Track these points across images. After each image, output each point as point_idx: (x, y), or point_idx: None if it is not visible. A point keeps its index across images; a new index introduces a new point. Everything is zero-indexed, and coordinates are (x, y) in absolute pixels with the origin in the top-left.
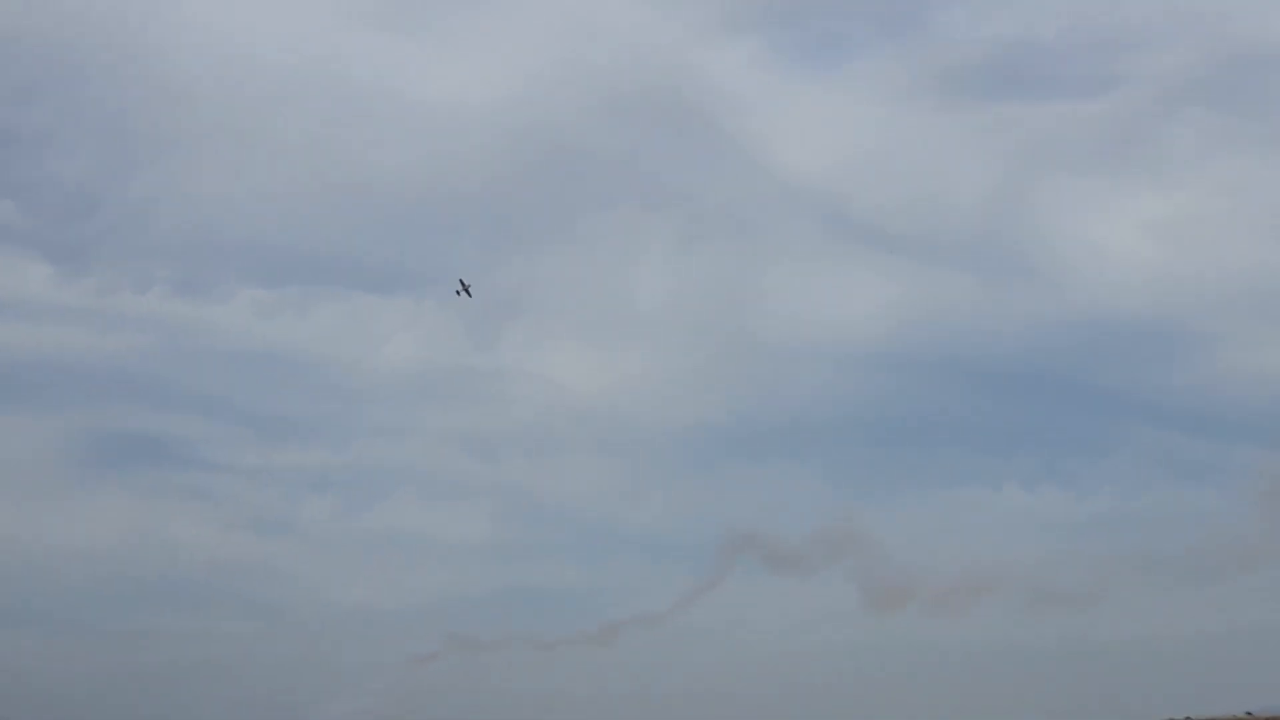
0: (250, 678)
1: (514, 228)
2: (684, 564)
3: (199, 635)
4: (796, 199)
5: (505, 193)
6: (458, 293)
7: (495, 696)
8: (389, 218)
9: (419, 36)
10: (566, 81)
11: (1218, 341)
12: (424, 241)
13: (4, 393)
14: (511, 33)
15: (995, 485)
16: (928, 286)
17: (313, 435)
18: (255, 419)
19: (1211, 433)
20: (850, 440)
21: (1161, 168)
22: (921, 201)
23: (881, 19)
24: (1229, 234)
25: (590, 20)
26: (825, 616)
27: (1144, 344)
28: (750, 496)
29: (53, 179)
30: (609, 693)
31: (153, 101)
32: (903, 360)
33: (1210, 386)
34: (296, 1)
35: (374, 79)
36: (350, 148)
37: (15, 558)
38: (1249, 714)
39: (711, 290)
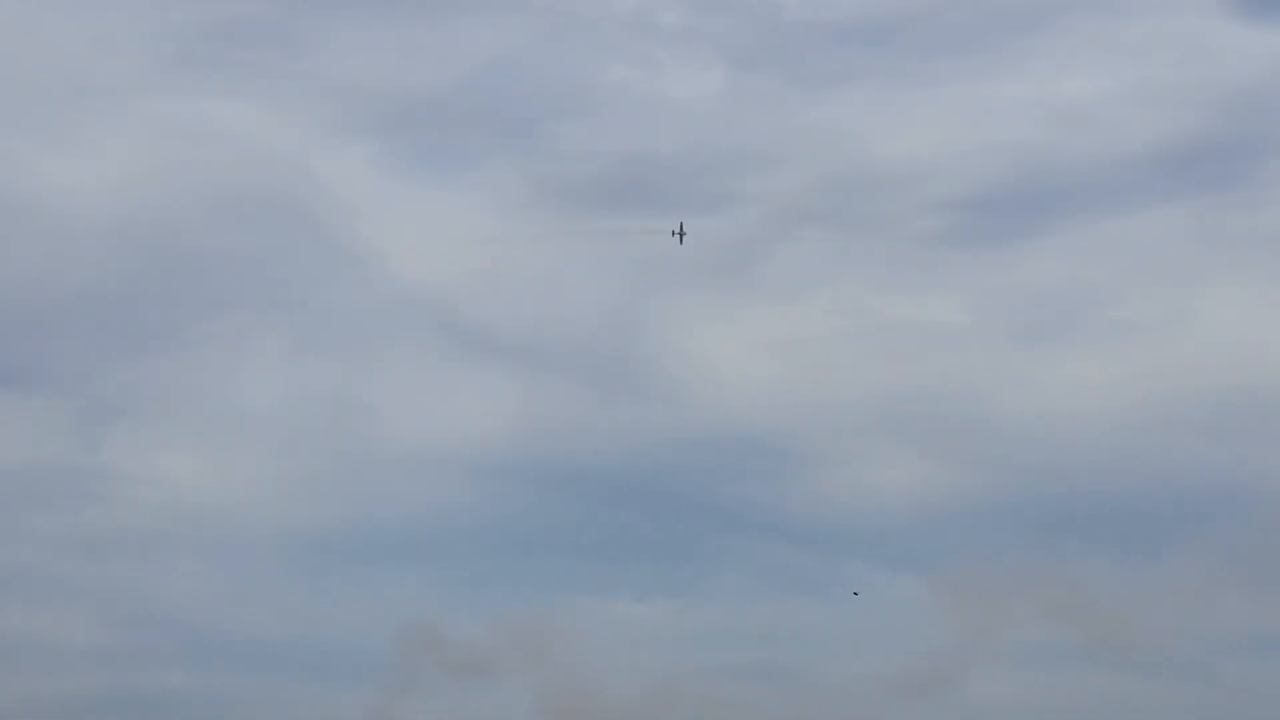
0: None
1: (124, 327)
2: (302, 671)
3: None
4: (411, 307)
5: (115, 292)
6: (673, 233)
7: None
8: None
9: (29, 133)
10: (179, 181)
11: (829, 459)
12: (30, 340)
13: None
14: (124, 131)
15: (607, 595)
16: (544, 399)
17: None
18: None
19: (821, 547)
20: (461, 547)
21: (777, 287)
22: (538, 313)
23: (500, 129)
24: (842, 354)
25: (205, 121)
26: None
27: (757, 460)
28: (355, 602)
29: None
30: None
31: None
32: (518, 471)
33: (821, 502)
34: None
35: None
36: None
37: None
38: None
39: (325, 396)
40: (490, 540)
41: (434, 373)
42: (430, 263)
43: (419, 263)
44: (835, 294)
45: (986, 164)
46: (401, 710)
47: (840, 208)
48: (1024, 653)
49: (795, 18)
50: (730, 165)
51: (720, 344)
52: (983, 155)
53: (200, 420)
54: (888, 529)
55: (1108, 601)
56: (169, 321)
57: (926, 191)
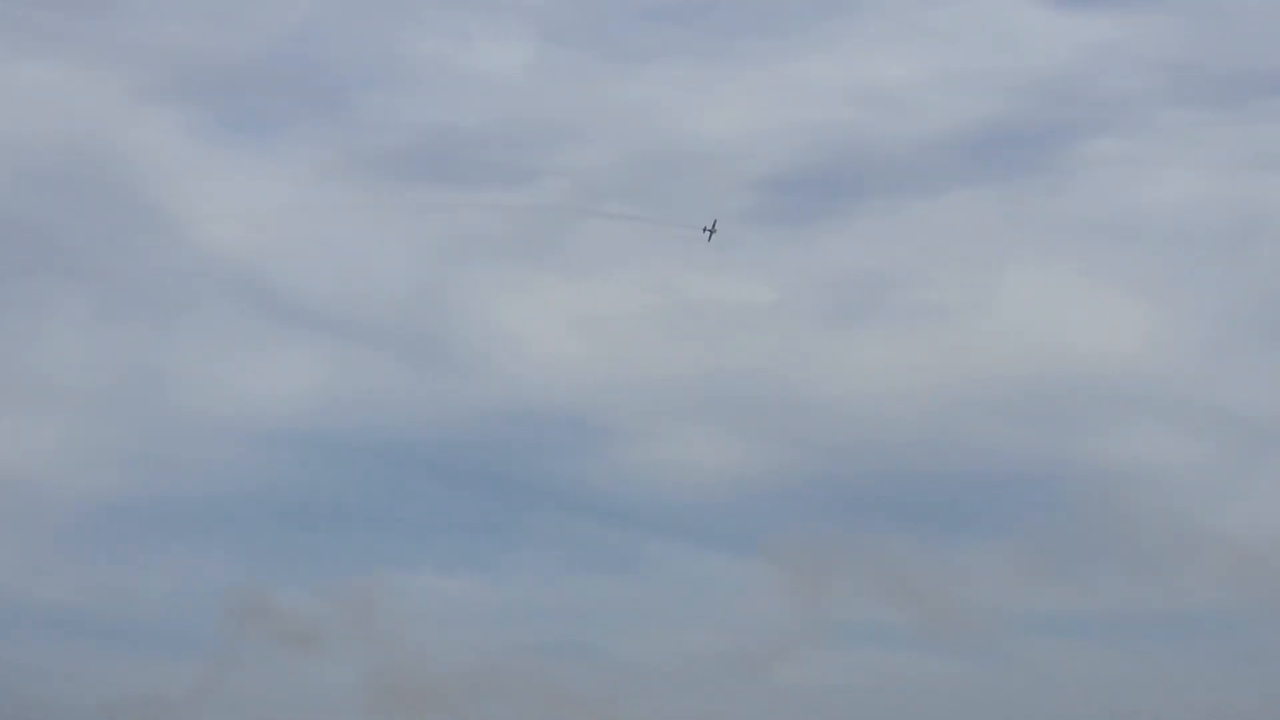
0: None
1: None
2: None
3: None
4: (219, 276)
5: None
6: (704, 229)
7: None
8: None
9: None
10: None
11: (637, 436)
12: None
13: None
14: None
15: (412, 568)
16: (352, 370)
17: None
18: None
19: (630, 524)
20: (267, 518)
21: (586, 263)
22: (347, 284)
23: (310, 98)
24: (650, 331)
25: (9, 84)
26: None
27: (565, 436)
28: (166, 574)
29: None
30: None
31: None
32: (324, 441)
33: (629, 479)
34: None
35: None
36: None
37: None
38: None
39: (130, 364)
40: (299, 512)
41: (241, 342)
42: (238, 231)
43: (226, 231)
44: (644, 271)
45: (795, 144)
46: (227, 684)
47: (649, 184)
48: (836, 632)
49: None
50: (539, 139)
51: (529, 319)
52: (791, 135)
53: (0, 387)
54: (696, 507)
55: (915, 581)
56: None
57: (736, 170)
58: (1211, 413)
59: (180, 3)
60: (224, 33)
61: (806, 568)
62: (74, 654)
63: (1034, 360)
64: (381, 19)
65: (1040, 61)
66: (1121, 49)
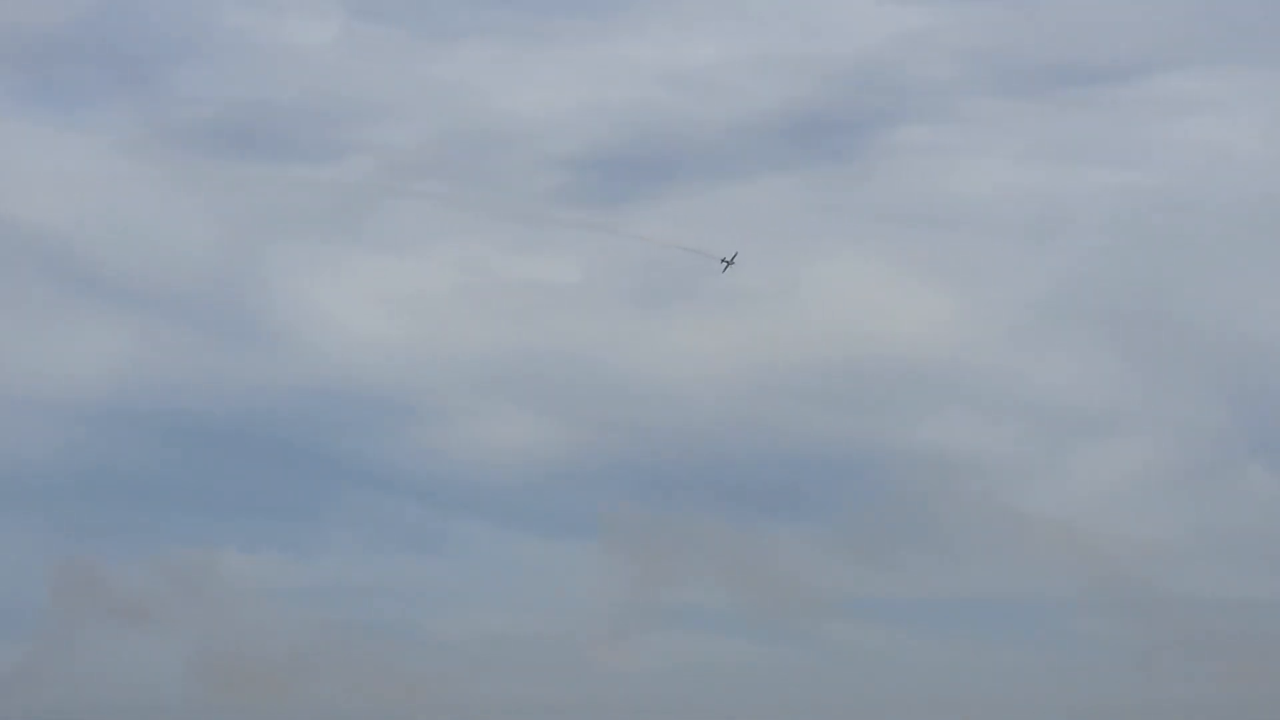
0: None
1: None
2: None
3: None
4: (23, 248)
5: None
6: (722, 260)
7: None
8: None
9: None
10: None
11: (445, 415)
12: None
13: None
14: None
15: (218, 546)
16: (158, 343)
17: None
18: None
19: (437, 504)
20: (79, 493)
21: (393, 240)
22: (152, 257)
23: (116, 72)
24: (458, 310)
25: None
26: None
27: (372, 414)
28: None
29: None
30: None
31: None
32: (130, 416)
33: (436, 458)
34: None
35: None
36: None
37: None
38: None
39: None
40: (110, 488)
41: (46, 315)
42: (43, 204)
43: (31, 203)
44: (452, 250)
45: (606, 124)
46: (55, 660)
47: (459, 163)
48: (648, 615)
49: None
50: (349, 115)
51: (338, 296)
52: (603, 115)
53: None
54: (505, 487)
55: (731, 565)
56: None
57: (545, 149)
58: (1018, 399)
59: None
60: (30, 3)
61: (617, 548)
62: None
63: (843, 345)
64: None
65: (852, 48)
66: (932, 37)
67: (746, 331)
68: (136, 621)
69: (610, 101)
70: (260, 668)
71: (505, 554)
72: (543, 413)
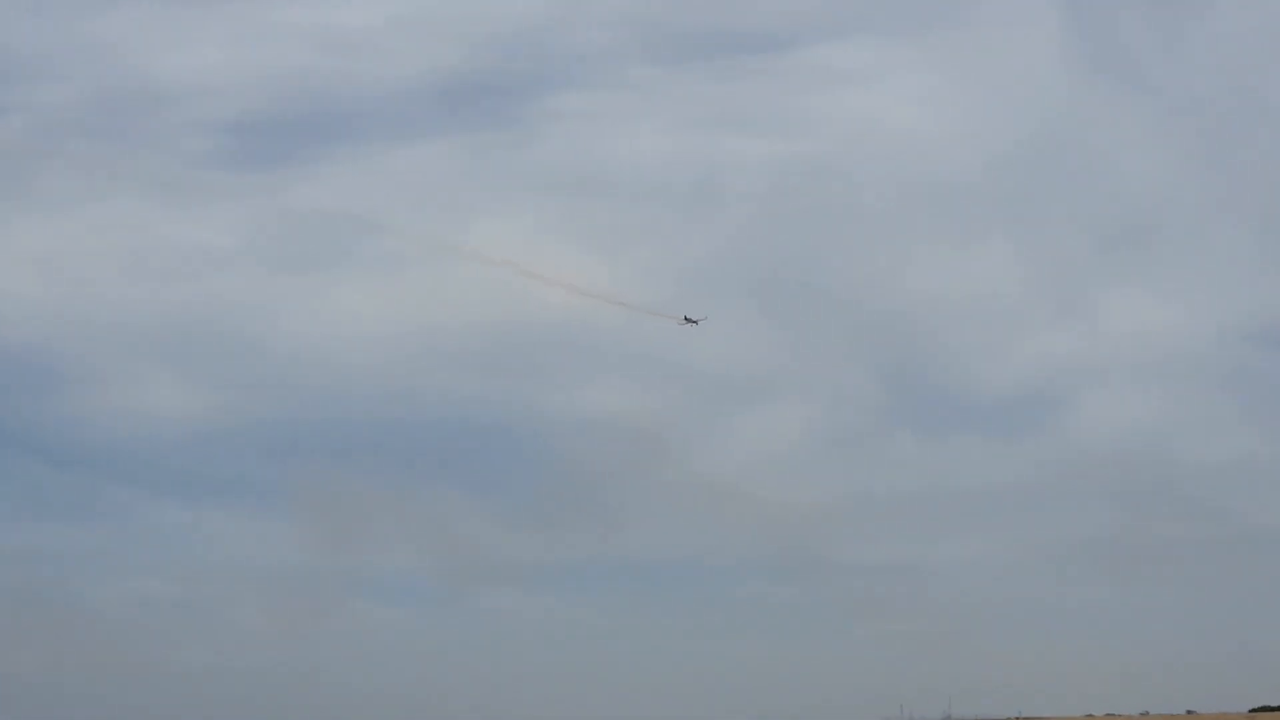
0: None
1: None
2: None
3: None
4: None
5: None
6: (686, 319)
7: None
8: None
9: None
10: None
11: (93, 379)
12: None
13: None
14: None
15: None
16: None
17: None
18: None
19: (84, 470)
20: None
21: (44, 201)
22: None
23: None
24: (108, 272)
25: None
26: None
27: (19, 376)
28: None
29: None
30: None
31: None
32: None
33: (84, 424)
34: None
35: None
36: None
37: None
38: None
39: None
40: None
41: None
42: None
43: None
44: (105, 212)
45: (261, 87)
46: None
47: (113, 124)
48: (284, 575)
49: None
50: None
51: None
52: (258, 79)
53: None
54: (155, 452)
55: (387, 528)
56: None
57: (201, 112)
58: (676, 365)
59: None
60: None
61: (278, 514)
62: None
63: (501, 310)
64: None
65: (510, 12)
66: (591, 3)
67: (403, 295)
68: None
69: (267, 65)
70: None
71: (153, 520)
72: (194, 377)
